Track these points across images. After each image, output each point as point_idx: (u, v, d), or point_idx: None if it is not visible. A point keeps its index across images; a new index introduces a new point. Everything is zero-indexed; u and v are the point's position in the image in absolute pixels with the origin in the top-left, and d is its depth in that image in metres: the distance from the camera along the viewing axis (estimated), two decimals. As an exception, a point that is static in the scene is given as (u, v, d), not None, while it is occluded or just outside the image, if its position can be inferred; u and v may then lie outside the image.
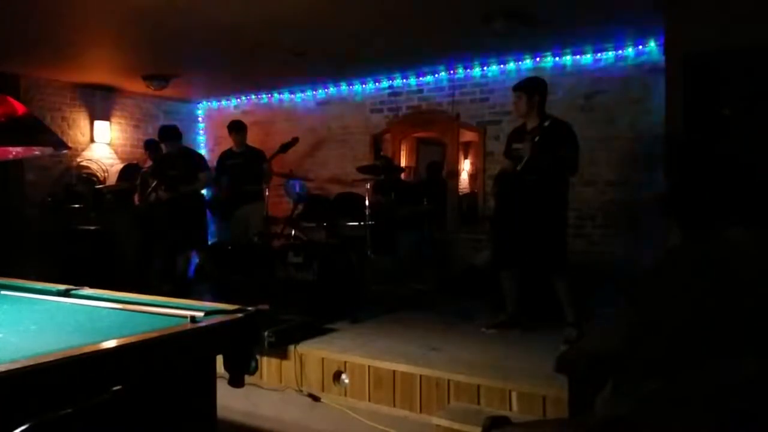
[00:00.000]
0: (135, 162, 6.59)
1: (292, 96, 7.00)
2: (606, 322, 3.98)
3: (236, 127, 5.54)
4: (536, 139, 3.47)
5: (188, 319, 1.80)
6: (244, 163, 5.41)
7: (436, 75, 5.98)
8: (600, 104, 5.16)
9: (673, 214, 1.57)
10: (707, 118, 3.75)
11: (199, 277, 5.51)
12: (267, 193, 4.95)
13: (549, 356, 2.92)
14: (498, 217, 4.02)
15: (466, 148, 7.59)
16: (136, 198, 5.91)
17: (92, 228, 5.90)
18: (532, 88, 3.64)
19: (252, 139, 6.01)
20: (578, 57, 5.26)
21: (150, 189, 5.63)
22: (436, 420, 2.84)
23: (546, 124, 3.52)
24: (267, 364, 3.58)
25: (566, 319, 3.62)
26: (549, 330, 3.75)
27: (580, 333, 3.53)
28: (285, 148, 5.05)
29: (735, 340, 1.23)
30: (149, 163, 6.06)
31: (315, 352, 3.46)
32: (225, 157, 5.65)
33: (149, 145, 6.07)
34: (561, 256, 3.62)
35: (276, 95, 7.09)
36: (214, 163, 5.72)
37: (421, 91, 6.15)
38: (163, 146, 5.36)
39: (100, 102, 6.65)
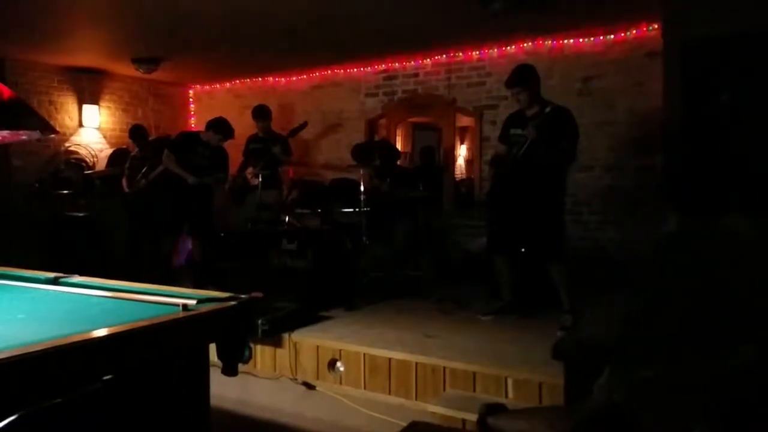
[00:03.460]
0: (125, 147, 6.53)
1: (286, 79, 6.94)
2: (602, 309, 4.01)
3: (258, 114, 5.57)
4: (538, 124, 3.46)
5: (180, 307, 1.79)
6: (264, 148, 5.42)
7: (432, 58, 5.94)
8: (598, 88, 5.14)
9: (670, 200, 1.57)
10: (706, 104, 3.75)
11: (192, 263, 5.51)
12: (289, 178, 4.94)
13: (545, 343, 2.94)
14: (493, 201, 4.02)
15: (463, 134, 7.57)
16: (124, 184, 5.86)
17: (81, 215, 5.86)
18: (529, 79, 3.61)
19: (244, 122, 5.97)
20: (575, 40, 5.23)
21: (140, 174, 5.59)
22: (431, 407, 2.86)
23: (547, 110, 3.50)
24: (261, 352, 3.59)
25: (562, 306, 3.64)
26: (545, 317, 3.77)
27: (576, 320, 3.55)
28: (294, 132, 5.06)
29: (733, 327, 1.23)
30: (136, 150, 6.00)
31: (309, 340, 3.47)
32: (249, 140, 5.71)
33: (135, 132, 6.01)
34: (558, 242, 3.63)
35: (269, 79, 7.02)
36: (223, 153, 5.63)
37: (416, 74, 6.11)
38: (217, 138, 5.08)
39: (88, 85, 6.57)
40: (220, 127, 5.08)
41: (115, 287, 2.19)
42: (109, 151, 6.60)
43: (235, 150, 5.68)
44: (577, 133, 3.59)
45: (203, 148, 5.07)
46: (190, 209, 5.04)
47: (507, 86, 3.70)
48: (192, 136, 5.28)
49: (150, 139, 6.17)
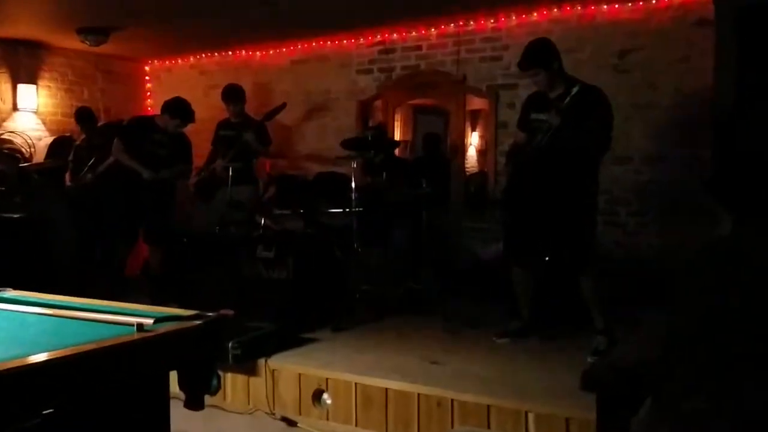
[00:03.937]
0: (68, 134, 6.52)
1: (262, 53, 6.94)
2: (643, 329, 4.02)
3: (229, 95, 5.57)
4: (564, 107, 3.47)
5: (135, 327, 1.79)
6: (236, 135, 5.42)
7: (438, 28, 5.95)
8: (636, 64, 5.16)
9: (722, 198, 1.58)
10: (763, 83, 3.76)
11: (148, 274, 5.50)
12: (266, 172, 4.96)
13: (573, 370, 2.94)
14: (510, 200, 4.03)
15: (474, 119, 7.58)
16: (68, 178, 5.85)
17: (16, 216, 5.82)
18: (546, 57, 3.61)
19: (212, 104, 5.97)
20: (610, 6, 5.25)
21: (87, 167, 5.58)
22: (437, 447, 2.86)
23: (574, 90, 3.50)
24: (232, 381, 3.59)
25: (594, 326, 3.65)
26: (573, 339, 3.79)
27: (611, 342, 3.56)
28: (271, 115, 5.06)
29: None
30: (83, 136, 5.99)
31: (290, 367, 3.47)
32: (219, 126, 5.73)
33: (82, 116, 6.00)
34: (588, 248, 3.64)
35: (241, 52, 7.02)
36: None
37: (419, 47, 6.12)
38: (164, 118, 5.09)
39: (24, 61, 6.54)
40: (176, 109, 5.06)
41: (57, 303, 2.18)
42: (50, 139, 6.59)
43: (200, 137, 5.68)
44: (612, 117, 3.60)
45: (160, 136, 5.07)
46: (146, 209, 5.04)
47: (520, 69, 3.72)
48: (147, 122, 5.29)
49: (99, 124, 6.16)
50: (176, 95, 5.24)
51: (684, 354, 1.40)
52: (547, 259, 3.74)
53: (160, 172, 4.99)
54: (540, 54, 3.63)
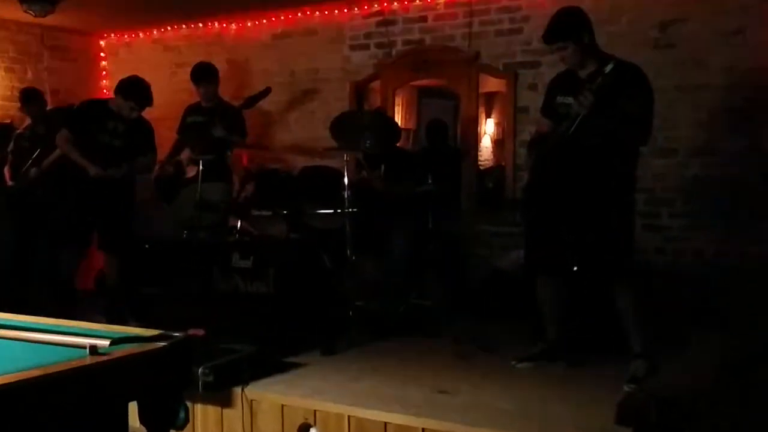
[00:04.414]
0: (7, 121, 6.52)
1: (238, 25, 6.95)
2: (689, 353, 4.02)
3: (202, 76, 5.59)
4: (596, 89, 3.47)
5: (87, 349, 1.79)
6: (208, 122, 5.43)
7: (446, -5, 5.97)
8: (681, 38, 5.17)
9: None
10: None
11: (102, 288, 5.50)
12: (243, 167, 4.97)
13: (607, 401, 2.94)
14: (533, 199, 4.03)
15: (489, 103, 7.60)
16: (7, 174, 5.85)
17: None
18: (576, 28, 3.62)
19: (179, 86, 5.97)
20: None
21: (31, 160, 5.58)
22: (445, 492, 2.87)
23: (608, 68, 3.51)
24: (202, 413, 3.58)
25: (632, 348, 3.65)
26: (606, 364, 3.78)
27: (652, 368, 3.56)
28: (253, 101, 5.07)
29: None
30: (28, 122, 5.99)
31: (271, 397, 3.47)
32: (187, 112, 5.75)
33: (28, 97, 6.01)
34: (625, 256, 3.64)
35: (213, 24, 7.03)
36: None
37: (424, 18, 6.14)
38: (118, 99, 5.10)
39: (-45, 34, 6.57)
40: (129, 90, 5.05)
41: (-6, 322, 2.18)
42: (-13, 126, 6.60)
43: (165, 125, 5.68)
44: (653, 99, 3.61)
45: (115, 123, 5.07)
46: (100, 210, 5.04)
47: (545, 41, 3.72)
48: (99, 107, 5.27)
49: (46, 109, 6.16)
50: (134, 74, 5.22)
51: (741, 382, 1.41)
52: (575, 269, 3.74)
53: (110, 170, 4.96)
54: (569, 24, 3.64)
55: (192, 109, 5.73)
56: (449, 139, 6.22)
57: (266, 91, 5.22)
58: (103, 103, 5.34)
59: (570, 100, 3.64)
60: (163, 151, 5.63)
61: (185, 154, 5.42)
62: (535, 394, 3.44)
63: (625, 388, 3.36)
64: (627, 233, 3.68)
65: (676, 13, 5.19)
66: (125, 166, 5.05)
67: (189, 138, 5.53)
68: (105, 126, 5.04)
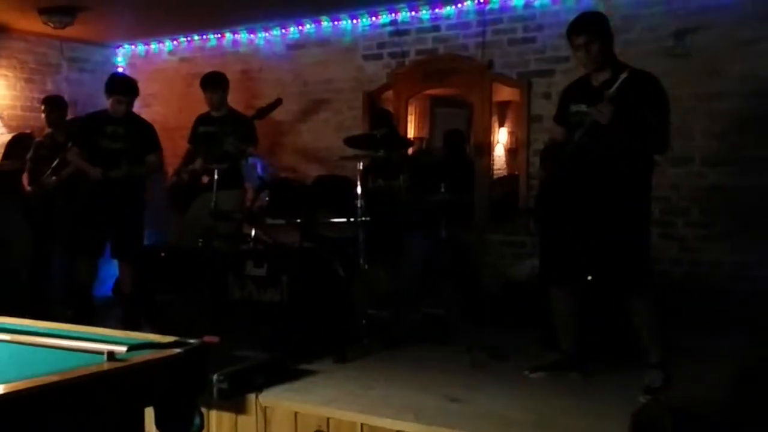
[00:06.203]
0: (28, 131, 6.57)
1: (252, 36, 6.98)
2: (707, 363, 3.99)
3: (210, 83, 5.63)
4: (611, 97, 3.46)
5: (105, 356, 1.80)
6: (219, 133, 5.46)
7: (460, 5, 5.97)
8: (698, 47, 5.15)
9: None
10: None
11: (119, 295, 5.53)
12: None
13: (622, 412, 2.92)
14: (547, 208, 4.02)
15: (503, 112, 7.60)
16: (26, 182, 5.89)
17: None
18: (603, 27, 3.61)
19: (195, 97, 6.00)
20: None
21: (50, 169, 5.62)
22: (459, 502, 2.86)
23: (623, 76, 3.50)
24: (217, 420, 3.59)
25: (648, 358, 3.63)
26: (621, 374, 3.76)
27: (668, 379, 3.54)
28: (264, 112, 5.09)
29: None
30: (47, 131, 6.03)
31: (285, 404, 3.47)
32: (198, 122, 5.78)
33: (53, 104, 6.05)
34: (641, 266, 3.62)
35: (229, 36, 7.08)
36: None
37: (437, 28, 6.15)
38: (112, 101, 5.20)
39: (-24, 46, 6.64)
40: (111, 86, 5.18)
41: (14, 328, 2.19)
42: (8, 137, 6.64)
43: (179, 134, 5.71)
44: (669, 108, 3.60)
45: (114, 127, 5.13)
46: (110, 216, 5.07)
47: (570, 33, 3.66)
48: (97, 114, 5.42)
49: (66, 119, 6.20)
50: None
51: (761, 392, 1.39)
52: (590, 278, 3.73)
53: (112, 171, 5.02)
54: (596, 22, 3.64)
55: (203, 119, 5.76)
56: (464, 148, 6.22)
57: (277, 102, 5.23)
58: (100, 111, 5.45)
59: (584, 107, 3.64)
60: (178, 160, 5.66)
61: (199, 163, 5.44)
62: (549, 403, 3.42)
63: (641, 399, 3.35)
64: (644, 242, 3.67)
65: (692, 23, 5.16)
66: (125, 166, 5.09)
67: (200, 149, 5.56)
68: (104, 131, 5.13)
